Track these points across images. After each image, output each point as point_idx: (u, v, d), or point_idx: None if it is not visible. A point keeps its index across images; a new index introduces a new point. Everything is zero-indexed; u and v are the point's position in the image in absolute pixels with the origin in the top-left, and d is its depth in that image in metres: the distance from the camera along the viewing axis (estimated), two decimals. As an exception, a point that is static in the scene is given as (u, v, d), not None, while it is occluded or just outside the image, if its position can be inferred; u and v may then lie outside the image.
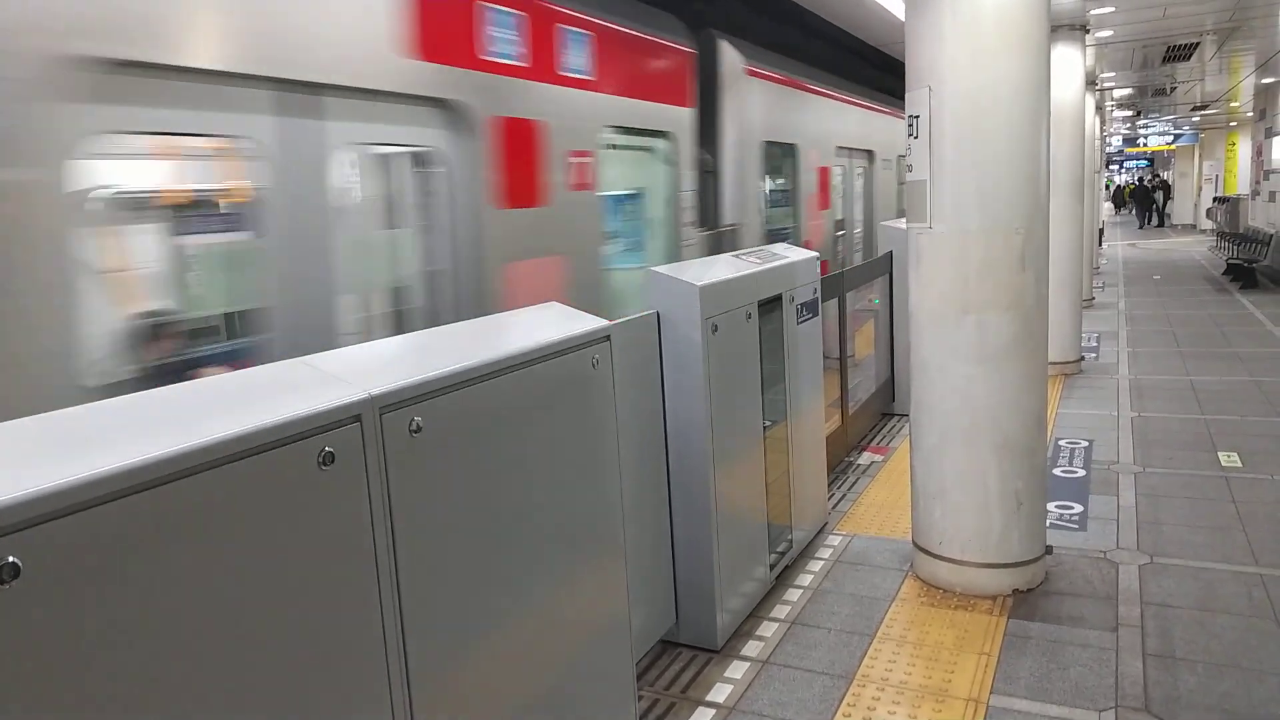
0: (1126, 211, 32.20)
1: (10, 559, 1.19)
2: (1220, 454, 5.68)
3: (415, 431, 1.88)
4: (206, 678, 1.45)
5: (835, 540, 4.57)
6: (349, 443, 1.71)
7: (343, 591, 1.71)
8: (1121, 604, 3.74)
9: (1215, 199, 24.26)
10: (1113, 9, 8.27)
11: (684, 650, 3.52)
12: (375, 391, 1.78)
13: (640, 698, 3.17)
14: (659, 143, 5.49)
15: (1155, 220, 31.16)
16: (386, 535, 1.80)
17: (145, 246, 2.95)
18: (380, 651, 1.79)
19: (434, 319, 3.63)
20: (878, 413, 6.97)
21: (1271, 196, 16.40)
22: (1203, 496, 4.97)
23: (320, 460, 1.64)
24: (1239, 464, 5.47)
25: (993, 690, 3.16)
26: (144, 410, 1.56)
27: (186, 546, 1.41)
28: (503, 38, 3.87)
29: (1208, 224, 24.40)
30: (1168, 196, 31.56)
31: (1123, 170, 43.30)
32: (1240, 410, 6.70)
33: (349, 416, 1.71)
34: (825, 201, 8.34)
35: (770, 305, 4.00)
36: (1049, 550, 4.06)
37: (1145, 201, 31.94)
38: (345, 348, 2.09)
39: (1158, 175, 36.47)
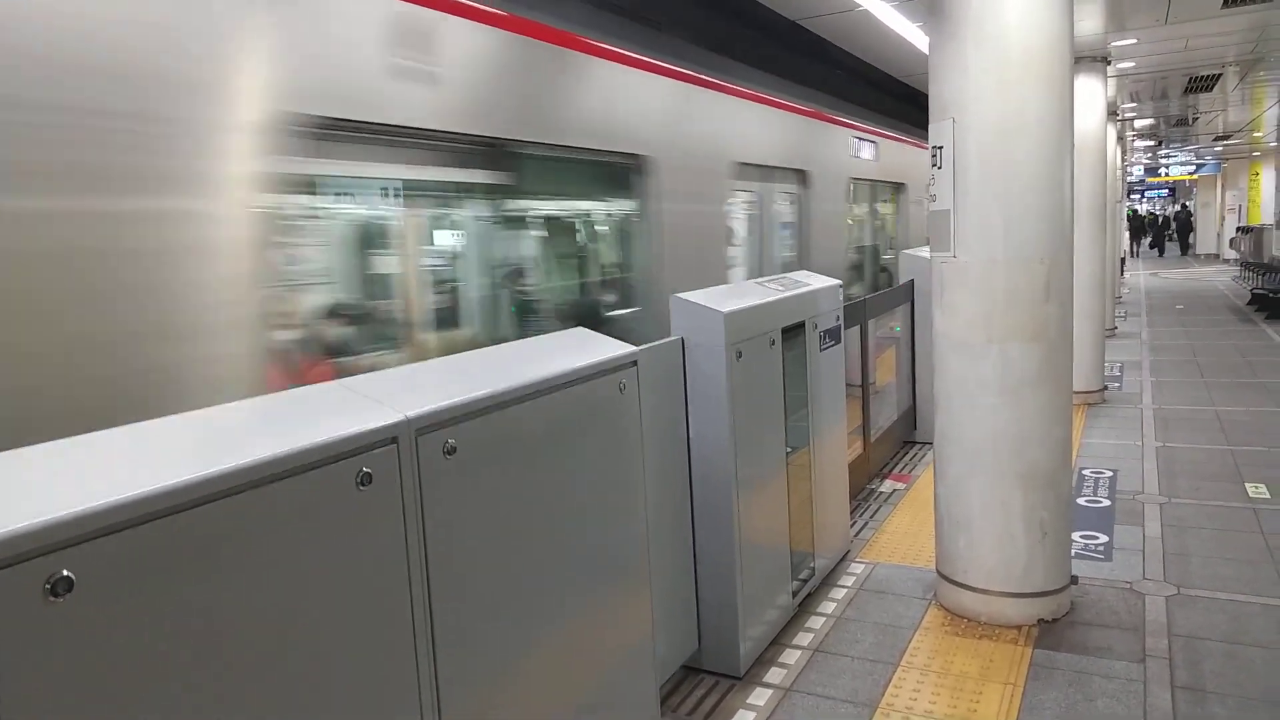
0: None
1: (65, 573, 1.23)
2: (1248, 485, 5.62)
3: (449, 453, 1.91)
4: (246, 691, 1.48)
5: (858, 568, 4.56)
6: (386, 464, 1.75)
7: (377, 608, 1.74)
8: (1149, 635, 3.71)
9: (1239, 228, 24.11)
10: (1135, 41, 8.29)
11: (706, 676, 3.52)
12: (411, 414, 1.82)
13: (663, 724, 3.16)
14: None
15: (1177, 250, 31.04)
16: (420, 554, 1.83)
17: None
18: (412, 668, 1.82)
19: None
20: (899, 440, 6.95)
21: (1296, 226, 16.27)
22: (1230, 528, 4.91)
23: (358, 481, 1.68)
24: (1267, 495, 5.41)
25: (1019, 721, 3.14)
26: (190, 430, 1.61)
27: (230, 563, 1.45)
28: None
29: (1231, 254, 24.24)
30: (1189, 228, 31.42)
31: (1144, 199, 43.12)
32: (1267, 441, 6.63)
33: (386, 438, 1.75)
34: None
35: (793, 332, 4.02)
36: (1074, 580, 4.03)
37: (1140, 231, 31.93)
38: (381, 371, 2.13)
39: (1184, 205, 36.26)
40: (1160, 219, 33.10)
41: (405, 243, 3.74)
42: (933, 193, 3.89)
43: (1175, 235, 32.49)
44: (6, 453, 1.43)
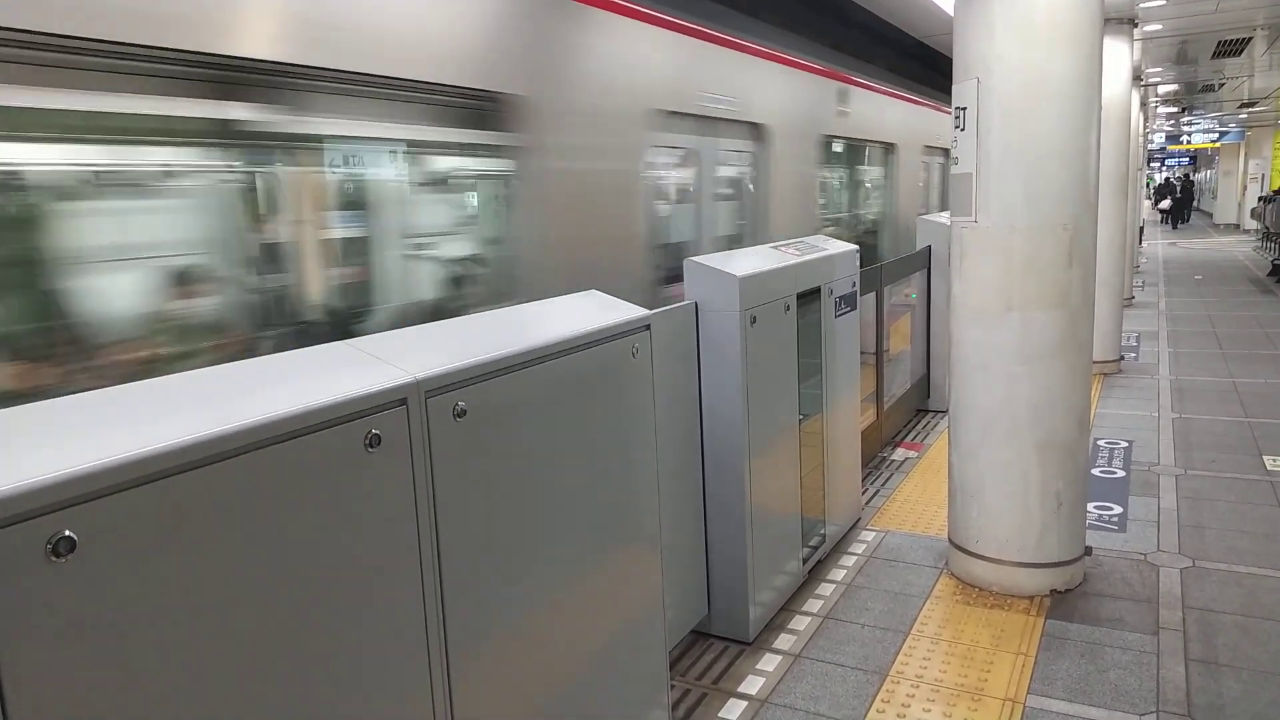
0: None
1: (66, 533, 1.20)
2: (1265, 458, 5.56)
3: (459, 416, 1.88)
4: (251, 653, 1.46)
5: (869, 536, 4.54)
6: (395, 425, 1.71)
7: (386, 571, 1.72)
8: (1163, 607, 3.68)
9: (1261, 198, 23.71)
10: (1164, 2, 8.08)
11: (715, 641, 3.51)
12: (421, 375, 1.78)
13: (672, 687, 3.16)
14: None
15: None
16: (429, 517, 1.81)
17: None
18: (421, 628, 1.80)
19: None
20: (912, 409, 6.91)
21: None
22: (1246, 501, 4.86)
23: (367, 442, 1.65)
24: (1285, 469, 5.35)
25: (1030, 690, 3.12)
26: (196, 389, 1.57)
27: (236, 524, 1.42)
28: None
29: (1252, 223, 23.86)
30: (1191, 197, 31.01)
31: (1164, 167, 42.44)
32: (1286, 414, 6.55)
33: (395, 399, 1.71)
34: None
35: (809, 297, 3.96)
36: (1088, 551, 4.00)
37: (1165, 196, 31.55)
38: (390, 332, 2.09)
39: (1187, 176, 35.70)
40: (1177, 187, 32.51)
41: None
42: (955, 156, 3.80)
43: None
44: (8, 409, 1.40)
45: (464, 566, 1.91)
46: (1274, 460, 5.50)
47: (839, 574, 4.10)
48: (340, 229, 3.31)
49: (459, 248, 3.96)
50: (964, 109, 3.70)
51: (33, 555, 1.18)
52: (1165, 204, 30.97)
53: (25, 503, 1.16)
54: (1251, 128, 27.39)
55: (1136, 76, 12.12)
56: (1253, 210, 23.86)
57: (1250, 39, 10.70)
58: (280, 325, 2.98)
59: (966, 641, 3.47)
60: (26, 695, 1.17)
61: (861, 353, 4.79)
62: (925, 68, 11.09)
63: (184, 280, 2.82)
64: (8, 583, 1.15)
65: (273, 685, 1.49)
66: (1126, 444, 5.96)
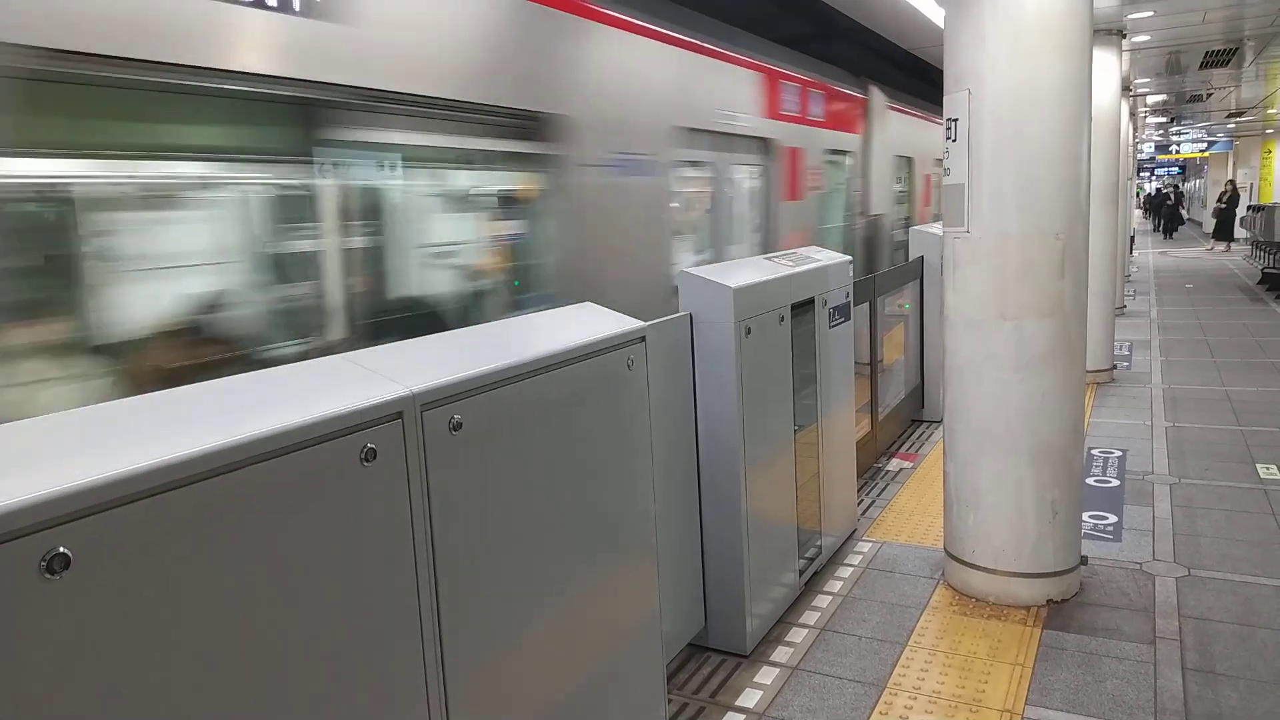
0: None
1: (61, 550, 1.20)
2: (1259, 466, 5.57)
3: (455, 429, 1.87)
4: (248, 669, 1.45)
5: (865, 547, 4.53)
6: (390, 439, 1.71)
7: (382, 586, 1.71)
8: (1159, 617, 3.68)
9: (1250, 207, 23.85)
10: (1151, 13, 8.14)
11: (712, 654, 3.50)
12: (417, 389, 1.78)
13: (669, 701, 3.15)
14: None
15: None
16: (425, 531, 1.80)
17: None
18: (417, 645, 1.79)
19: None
20: (907, 419, 6.91)
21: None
22: (1241, 509, 4.87)
23: (362, 456, 1.64)
24: (1278, 476, 5.36)
25: (1027, 701, 3.11)
26: (190, 405, 1.57)
27: (232, 540, 1.42)
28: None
29: (1242, 233, 24.01)
30: (1178, 205, 31.21)
31: (1153, 177, 42.69)
32: (1279, 421, 6.57)
33: (391, 413, 1.71)
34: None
35: (803, 308, 3.97)
36: (1084, 560, 4.00)
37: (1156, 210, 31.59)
38: (385, 345, 2.09)
39: (1177, 188, 35.86)
40: (1170, 197, 32.71)
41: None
42: (947, 166, 3.82)
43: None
44: (3, 425, 1.39)
45: (460, 580, 1.90)
46: (1267, 469, 5.52)
47: (835, 585, 4.09)
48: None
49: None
50: (955, 120, 3.72)
51: (26, 573, 1.17)
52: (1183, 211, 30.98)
53: (19, 519, 1.15)
54: (1239, 137, 27.60)
55: (1125, 87, 12.21)
56: (1242, 219, 24.01)
57: (1237, 49, 10.79)
58: None
59: (963, 652, 3.46)
60: (19, 717, 1.15)
61: (856, 363, 4.79)
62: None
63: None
64: (0, 601, 1.14)
65: (269, 701, 1.48)
66: (1120, 453, 5.97)
